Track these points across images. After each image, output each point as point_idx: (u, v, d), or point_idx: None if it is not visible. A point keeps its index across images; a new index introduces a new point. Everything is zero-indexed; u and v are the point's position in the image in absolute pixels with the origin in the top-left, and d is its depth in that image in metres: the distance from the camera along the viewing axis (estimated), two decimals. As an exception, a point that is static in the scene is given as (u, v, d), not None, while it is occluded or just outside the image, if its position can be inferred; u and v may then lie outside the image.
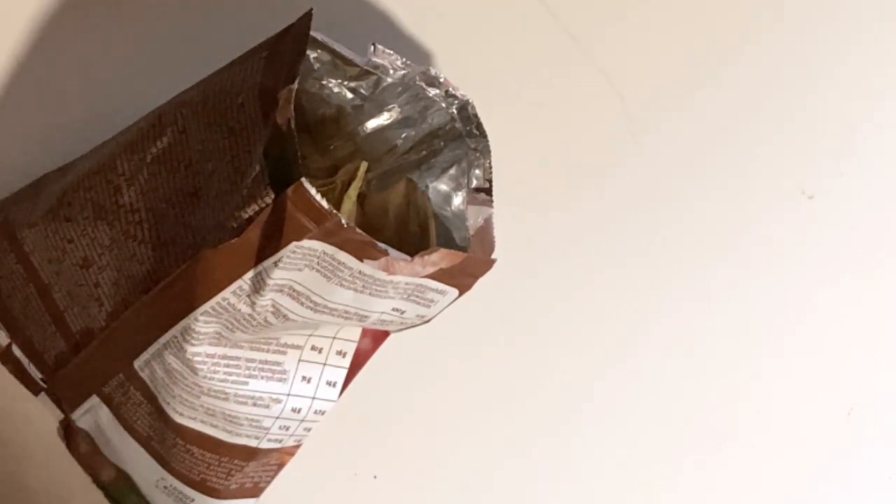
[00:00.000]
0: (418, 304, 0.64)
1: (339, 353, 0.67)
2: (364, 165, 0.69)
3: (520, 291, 0.76)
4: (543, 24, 0.78)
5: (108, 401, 0.67)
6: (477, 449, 0.76)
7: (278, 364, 0.65)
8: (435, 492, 0.76)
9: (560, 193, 0.77)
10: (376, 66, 0.67)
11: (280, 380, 0.66)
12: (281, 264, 0.59)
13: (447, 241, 0.68)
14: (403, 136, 0.69)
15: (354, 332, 0.67)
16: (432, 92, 0.68)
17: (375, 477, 0.75)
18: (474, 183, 0.69)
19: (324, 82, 0.68)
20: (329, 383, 0.67)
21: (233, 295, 0.61)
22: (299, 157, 0.59)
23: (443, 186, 0.69)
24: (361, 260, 0.60)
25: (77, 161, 0.69)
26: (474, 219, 0.68)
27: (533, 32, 0.78)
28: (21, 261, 0.67)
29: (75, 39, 0.74)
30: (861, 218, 0.80)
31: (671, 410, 0.78)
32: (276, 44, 0.64)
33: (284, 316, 0.61)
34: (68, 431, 0.70)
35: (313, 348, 0.66)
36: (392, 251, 0.60)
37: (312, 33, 0.64)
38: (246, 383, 0.65)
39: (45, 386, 0.69)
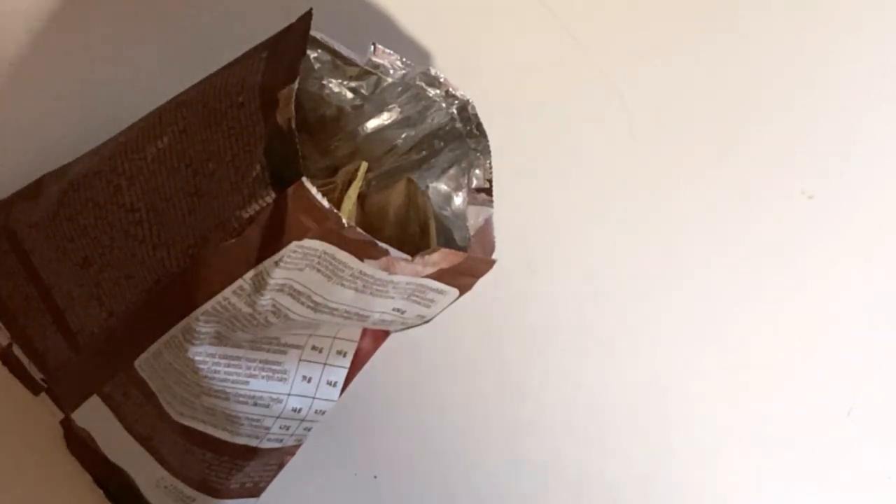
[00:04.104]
0: (419, 303, 0.64)
1: (339, 352, 0.67)
2: (364, 165, 0.69)
3: (520, 291, 0.76)
4: (543, 24, 0.78)
5: (108, 400, 0.67)
6: (477, 449, 0.76)
7: (279, 364, 0.65)
8: (435, 492, 0.76)
9: (560, 193, 0.77)
10: (376, 66, 0.67)
11: (280, 379, 0.66)
12: (282, 264, 0.59)
13: (447, 241, 0.68)
14: (403, 136, 0.69)
15: (355, 332, 0.67)
16: (432, 92, 0.68)
17: (375, 477, 0.75)
18: (474, 183, 0.69)
19: (324, 82, 0.68)
20: (329, 383, 0.67)
21: (233, 294, 0.61)
22: (300, 157, 0.59)
23: (443, 186, 0.69)
24: (362, 259, 0.60)
25: (77, 161, 0.69)
26: (474, 219, 0.68)
27: (533, 32, 0.78)
28: (21, 261, 0.67)
29: (75, 39, 0.74)
30: (861, 218, 0.80)
31: (670, 410, 0.78)
32: (276, 44, 0.64)
33: (285, 315, 0.61)
34: (68, 431, 0.70)
35: (314, 348, 0.66)
36: (392, 251, 0.60)
37: (312, 33, 0.64)
38: (246, 383, 0.65)
39: (45, 386, 0.69)
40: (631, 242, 0.78)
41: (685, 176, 0.79)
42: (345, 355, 0.67)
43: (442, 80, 0.68)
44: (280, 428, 0.67)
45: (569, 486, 0.77)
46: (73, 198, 0.66)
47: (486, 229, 0.68)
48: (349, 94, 0.68)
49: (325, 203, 0.58)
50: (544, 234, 0.77)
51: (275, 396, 0.66)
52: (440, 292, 0.64)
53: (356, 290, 0.61)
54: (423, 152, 0.70)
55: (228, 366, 0.64)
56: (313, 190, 0.58)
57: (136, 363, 0.65)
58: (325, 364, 0.67)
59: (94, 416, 0.68)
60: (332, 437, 0.74)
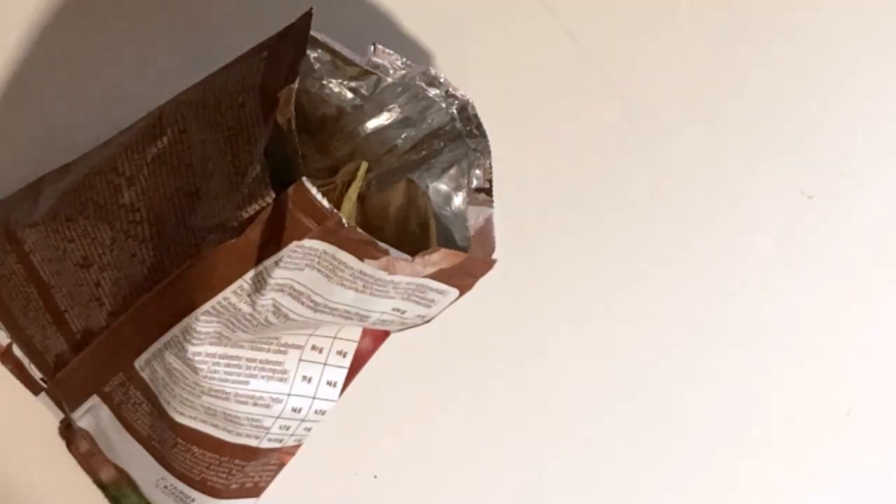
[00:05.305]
0: (419, 304, 0.64)
1: (339, 352, 0.67)
2: (364, 165, 0.69)
3: (520, 291, 0.76)
4: (543, 25, 0.78)
5: (108, 400, 0.67)
6: (477, 449, 0.76)
7: (279, 364, 0.65)
8: (435, 492, 0.76)
9: (560, 193, 0.77)
10: (376, 66, 0.67)
11: (280, 379, 0.66)
12: (282, 264, 0.59)
13: (447, 241, 0.68)
14: (403, 136, 0.69)
15: (355, 332, 0.67)
16: (432, 92, 0.68)
17: (375, 477, 0.75)
18: (474, 183, 0.69)
19: (324, 82, 0.68)
20: (329, 383, 0.67)
21: (233, 294, 0.61)
22: (300, 157, 0.59)
23: (443, 186, 0.69)
24: (362, 259, 0.60)
25: (77, 161, 0.69)
26: (474, 219, 0.68)
27: (533, 33, 0.78)
28: (21, 261, 0.67)
29: (75, 39, 0.74)
30: (861, 218, 0.80)
31: (671, 410, 0.78)
32: (276, 44, 0.64)
33: (285, 315, 0.61)
34: (68, 431, 0.70)
35: (314, 348, 0.66)
36: (393, 251, 0.60)
37: (312, 33, 0.64)
38: (246, 383, 0.65)
39: (45, 386, 0.69)
40: (630, 242, 0.78)
41: (684, 176, 0.79)
42: (345, 355, 0.67)
43: (442, 80, 0.68)
44: (280, 428, 0.67)
45: (569, 486, 0.77)
46: (74, 198, 0.66)
47: (486, 229, 0.68)
48: (349, 94, 0.68)
49: (325, 203, 0.58)
50: (544, 234, 0.77)
51: (275, 396, 0.66)
52: (440, 292, 0.64)
53: (356, 290, 0.61)
54: (423, 152, 0.70)
55: (228, 366, 0.64)
56: (313, 190, 0.58)
57: (136, 363, 0.65)
58: (325, 364, 0.67)
59: (94, 416, 0.68)
60: (332, 437, 0.74)
